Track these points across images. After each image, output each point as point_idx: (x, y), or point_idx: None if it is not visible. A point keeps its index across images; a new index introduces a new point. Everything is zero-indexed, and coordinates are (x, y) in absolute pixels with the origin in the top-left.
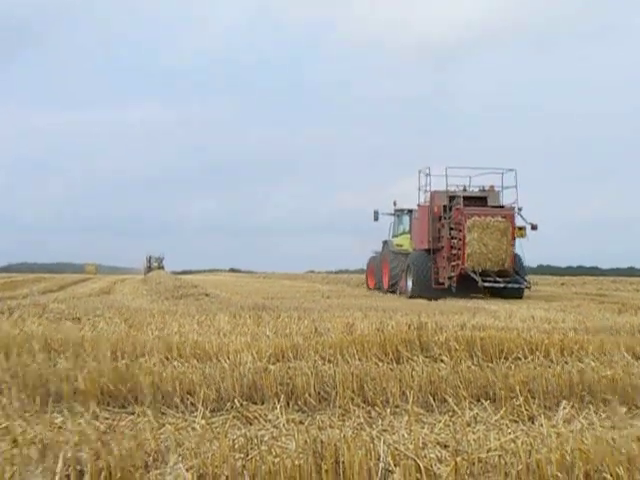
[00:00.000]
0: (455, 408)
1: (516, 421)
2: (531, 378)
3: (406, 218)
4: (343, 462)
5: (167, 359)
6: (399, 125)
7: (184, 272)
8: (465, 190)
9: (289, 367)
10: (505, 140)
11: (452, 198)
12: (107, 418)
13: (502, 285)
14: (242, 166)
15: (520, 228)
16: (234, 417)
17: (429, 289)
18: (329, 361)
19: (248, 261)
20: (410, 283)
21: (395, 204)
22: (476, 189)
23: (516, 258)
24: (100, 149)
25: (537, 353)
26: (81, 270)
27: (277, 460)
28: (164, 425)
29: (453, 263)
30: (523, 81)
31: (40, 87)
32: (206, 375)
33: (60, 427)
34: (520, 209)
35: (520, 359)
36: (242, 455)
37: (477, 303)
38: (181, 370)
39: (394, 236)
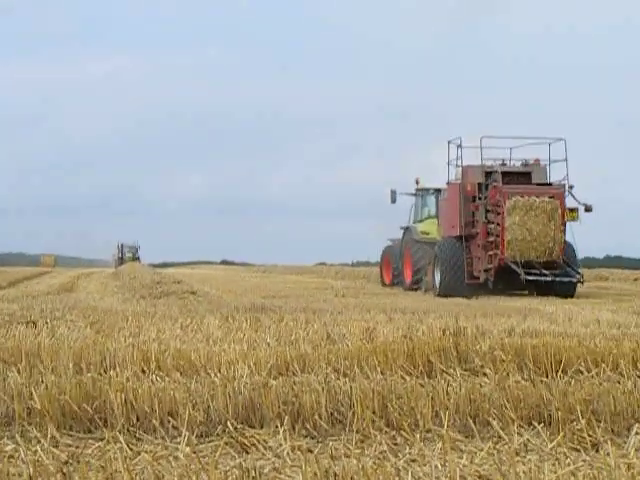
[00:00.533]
0: (501, 433)
1: (577, 449)
2: (595, 396)
3: (432, 199)
4: None
5: (143, 372)
6: (422, 83)
7: (164, 265)
8: (504, 164)
9: (295, 382)
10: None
11: (488, 174)
12: (69, 445)
13: (550, 279)
14: (235, 132)
15: (571, 210)
16: (226, 444)
17: (461, 285)
18: (344, 375)
19: (244, 251)
20: (438, 278)
21: (417, 182)
22: (517, 163)
23: (566, 246)
24: (56, 110)
25: (603, 365)
26: (36, 262)
27: None
28: (139, 454)
29: (490, 253)
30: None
31: None
32: (192, 392)
33: (11, 456)
34: (571, 187)
35: (582, 373)
36: None
37: (529, 303)
38: (160, 386)
39: (417, 221)
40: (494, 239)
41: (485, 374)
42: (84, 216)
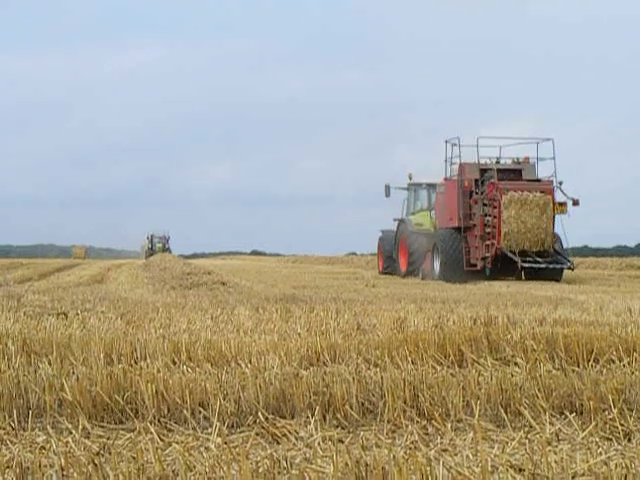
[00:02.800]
0: (532, 422)
1: (609, 439)
2: (627, 385)
3: (424, 193)
4: None
5: (174, 363)
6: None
7: (194, 256)
8: (498, 162)
9: (325, 372)
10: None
11: (484, 171)
12: (100, 436)
13: (543, 266)
14: (265, 122)
15: (561, 204)
16: (257, 434)
17: (460, 271)
18: (375, 365)
19: (274, 242)
20: (437, 265)
21: (410, 177)
22: (508, 161)
23: (556, 237)
24: (86, 101)
25: (635, 354)
26: (67, 254)
27: None
28: (171, 444)
29: (487, 243)
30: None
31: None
32: (222, 383)
33: (43, 447)
34: (561, 183)
35: (613, 362)
36: None
37: (560, 291)
38: (191, 377)
39: (410, 214)
40: (491, 230)
41: (516, 363)
42: (114, 207)
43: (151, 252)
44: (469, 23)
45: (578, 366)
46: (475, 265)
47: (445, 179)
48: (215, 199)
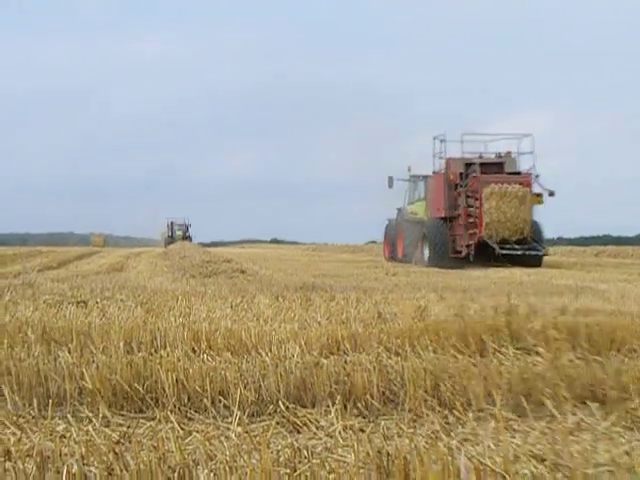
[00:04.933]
0: (554, 412)
1: (631, 428)
2: None
3: (421, 184)
4: (414, 479)
5: (194, 352)
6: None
7: (214, 244)
8: (481, 157)
9: (346, 361)
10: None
11: (468, 165)
12: (121, 425)
13: (520, 253)
14: (285, 110)
15: (537, 195)
16: (278, 423)
17: (446, 258)
18: (396, 354)
19: (294, 230)
20: (426, 252)
21: (410, 170)
22: (493, 155)
23: (534, 225)
24: (104, 89)
25: None
26: (86, 242)
27: (332, 477)
28: (191, 433)
29: (470, 232)
30: None
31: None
32: (243, 372)
33: (63, 436)
34: (537, 176)
35: (635, 351)
36: (288, 470)
37: (582, 280)
38: (211, 366)
39: (409, 203)
40: (474, 220)
41: (538, 353)
42: (134, 195)
43: (171, 240)
44: (484, 10)
45: (600, 355)
46: (460, 252)
47: (434, 172)
48: (234, 187)
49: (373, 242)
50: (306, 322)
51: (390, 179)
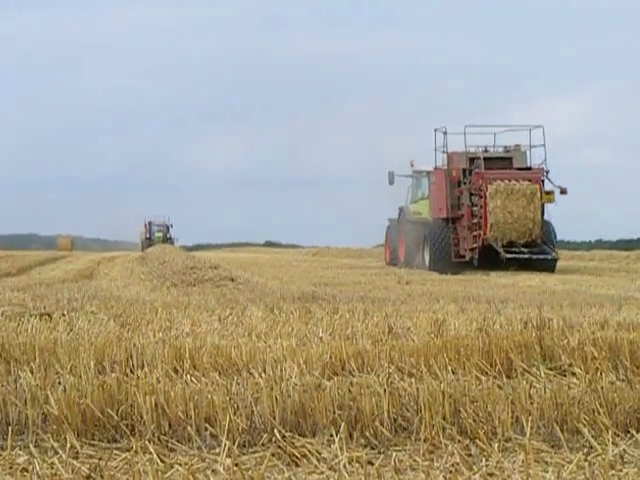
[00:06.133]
0: (593, 442)
1: None
2: None
3: (425, 181)
4: None
5: (176, 372)
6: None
7: (199, 247)
8: (486, 150)
9: (352, 383)
10: None
11: (472, 160)
12: (91, 456)
13: (527, 256)
14: (283, 95)
15: (547, 193)
16: (273, 455)
17: (449, 263)
18: (410, 375)
19: (291, 231)
20: (427, 256)
21: (412, 165)
22: (500, 149)
23: (546, 226)
24: (71, 66)
25: None
26: (51, 245)
27: None
28: (173, 466)
29: (474, 233)
30: None
31: None
32: (232, 395)
33: (25, 469)
34: (547, 172)
35: None
36: None
37: (624, 290)
38: (196, 388)
39: (412, 202)
40: (478, 221)
41: (574, 374)
42: (106, 191)
43: (149, 243)
44: None
45: None
46: (464, 256)
47: (435, 168)
48: (223, 181)
49: (382, 246)
50: (305, 338)
51: (391, 175)
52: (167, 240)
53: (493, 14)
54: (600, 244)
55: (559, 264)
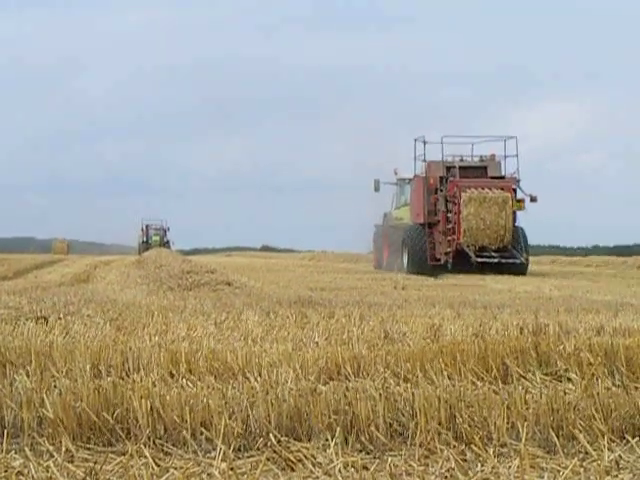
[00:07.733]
0: (588, 448)
1: None
2: None
3: (407, 188)
4: None
5: (172, 376)
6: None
7: (195, 251)
8: (462, 160)
9: (347, 388)
10: None
11: (449, 169)
12: (86, 460)
13: (496, 260)
14: (282, 97)
15: (518, 200)
16: (268, 459)
17: (425, 265)
18: (405, 380)
19: (288, 236)
20: (406, 259)
21: (396, 173)
22: (476, 158)
23: (518, 232)
24: (73, 67)
25: None
26: (47, 248)
27: None
28: (168, 470)
29: (449, 238)
30: None
31: None
32: (228, 399)
33: (20, 473)
34: (518, 181)
35: None
36: None
37: (621, 296)
38: (192, 392)
39: (396, 208)
40: (452, 226)
41: (570, 379)
42: (102, 194)
43: (146, 246)
44: None
45: None
46: (439, 260)
47: (415, 176)
48: (220, 185)
49: None
50: (301, 342)
51: (376, 182)
52: (164, 244)
53: (492, 18)
54: (597, 250)
55: (557, 270)
